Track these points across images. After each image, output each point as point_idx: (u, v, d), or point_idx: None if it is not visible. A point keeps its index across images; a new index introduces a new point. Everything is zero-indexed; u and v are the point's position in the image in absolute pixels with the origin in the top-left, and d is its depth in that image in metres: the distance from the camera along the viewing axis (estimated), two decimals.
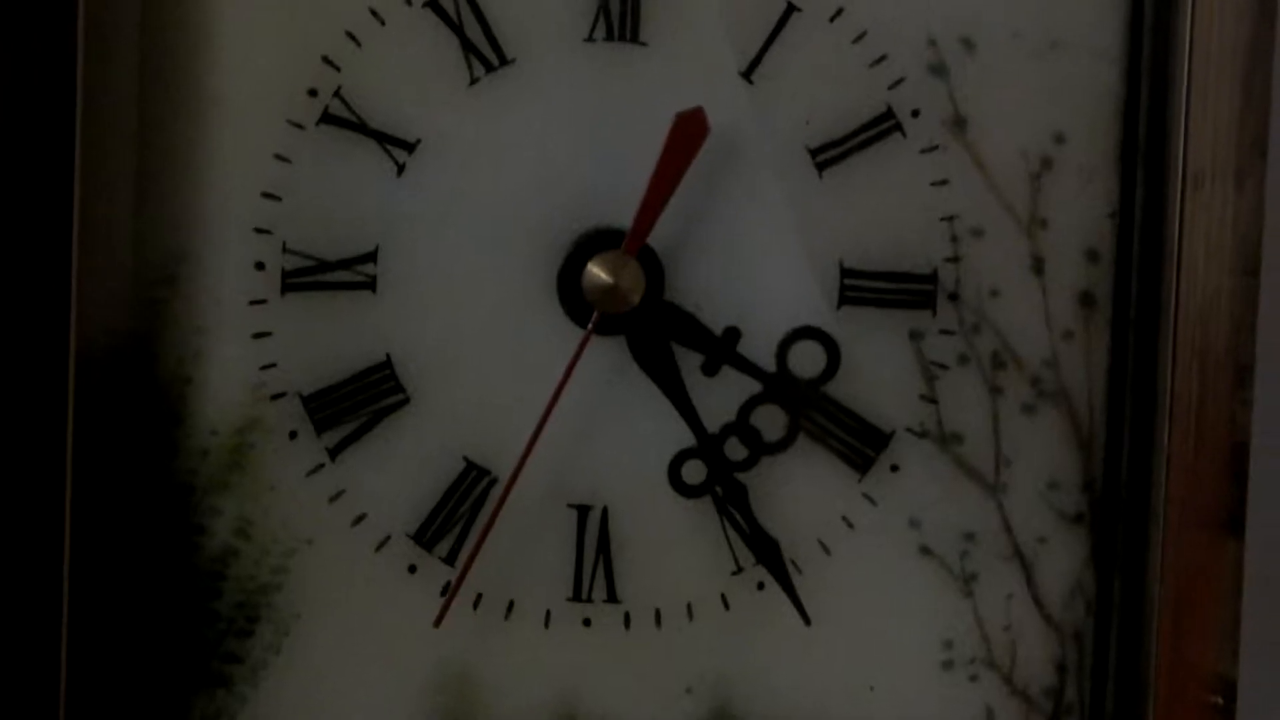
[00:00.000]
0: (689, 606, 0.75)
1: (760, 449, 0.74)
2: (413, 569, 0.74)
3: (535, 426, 0.72)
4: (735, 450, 0.74)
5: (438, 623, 0.73)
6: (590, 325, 0.72)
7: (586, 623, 0.75)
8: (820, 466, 0.75)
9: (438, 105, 0.73)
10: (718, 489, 0.74)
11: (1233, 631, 0.72)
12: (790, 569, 0.75)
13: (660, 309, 0.73)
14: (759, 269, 0.74)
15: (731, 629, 0.75)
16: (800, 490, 0.75)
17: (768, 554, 0.75)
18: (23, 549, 0.69)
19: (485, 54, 0.73)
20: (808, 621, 0.75)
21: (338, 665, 0.74)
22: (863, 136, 0.73)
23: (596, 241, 0.73)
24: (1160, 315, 0.73)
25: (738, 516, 0.74)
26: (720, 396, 0.74)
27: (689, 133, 0.71)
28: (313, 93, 0.73)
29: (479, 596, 0.74)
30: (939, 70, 0.73)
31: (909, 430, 0.75)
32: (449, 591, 0.73)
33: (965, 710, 0.75)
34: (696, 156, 0.71)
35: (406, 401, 0.73)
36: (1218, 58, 0.71)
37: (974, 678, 0.75)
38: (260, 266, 0.73)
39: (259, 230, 0.73)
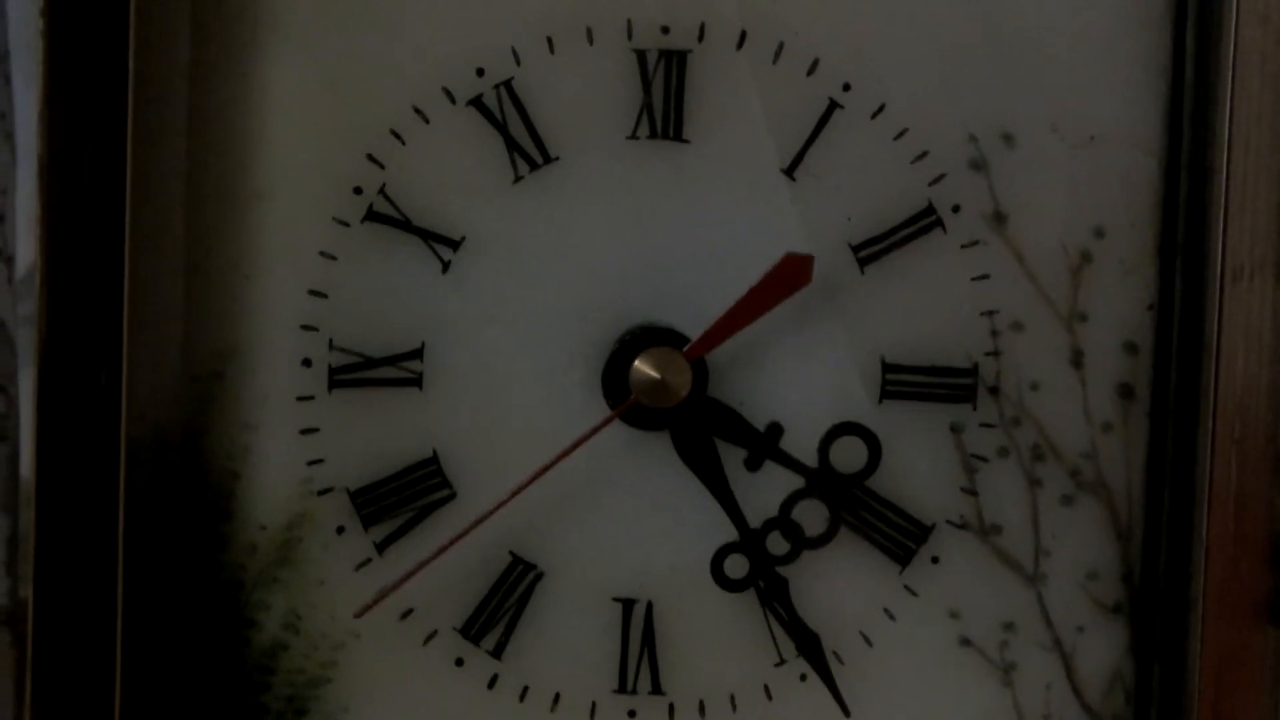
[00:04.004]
0: (732, 698, 0.71)
1: (802, 543, 0.70)
2: (460, 662, 0.70)
3: (530, 476, 0.68)
4: (777, 544, 0.70)
5: (359, 614, 0.69)
6: (619, 408, 0.69)
7: (632, 714, 0.71)
8: (862, 559, 0.71)
9: (482, 203, 0.69)
10: (760, 583, 0.70)
11: None
12: (832, 660, 0.71)
13: (704, 405, 0.69)
14: (801, 365, 0.70)
15: None
16: (842, 582, 0.71)
17: (809, 646, 0.71)
18: (75, 643, 0.66)
19: (529, 152, 0.69)
20: (847, 713, 0.71)
21: None
22: (904, 232, 0.69)
23: (641, 338, 0.69)
24: (1199, 407, 0.69)
25: (780, 609, 0.70)
26: (763, 491, 0.70)
27: (791, 275, 0.68)
28: (358, 190, 0.69)
29: (525, 689, 0.71)
30: (979, 165, 0.69)
31: (949, 522, 0.71)
32: (383, 592, 0.69)
33: None
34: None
35: (453, 497, 0.70)
36: (1257, 151, 0.67)
37: None
38: (307, 363, 0.69)
39: (306, 327, 0.69)
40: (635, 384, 0.68)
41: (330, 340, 0.69)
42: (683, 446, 0.70)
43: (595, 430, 0.69)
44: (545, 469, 0.68)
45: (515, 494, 0.68)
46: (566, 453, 0.68)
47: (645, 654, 0.71)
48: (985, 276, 0.70)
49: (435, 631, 0.70)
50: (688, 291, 0.69)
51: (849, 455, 0.70)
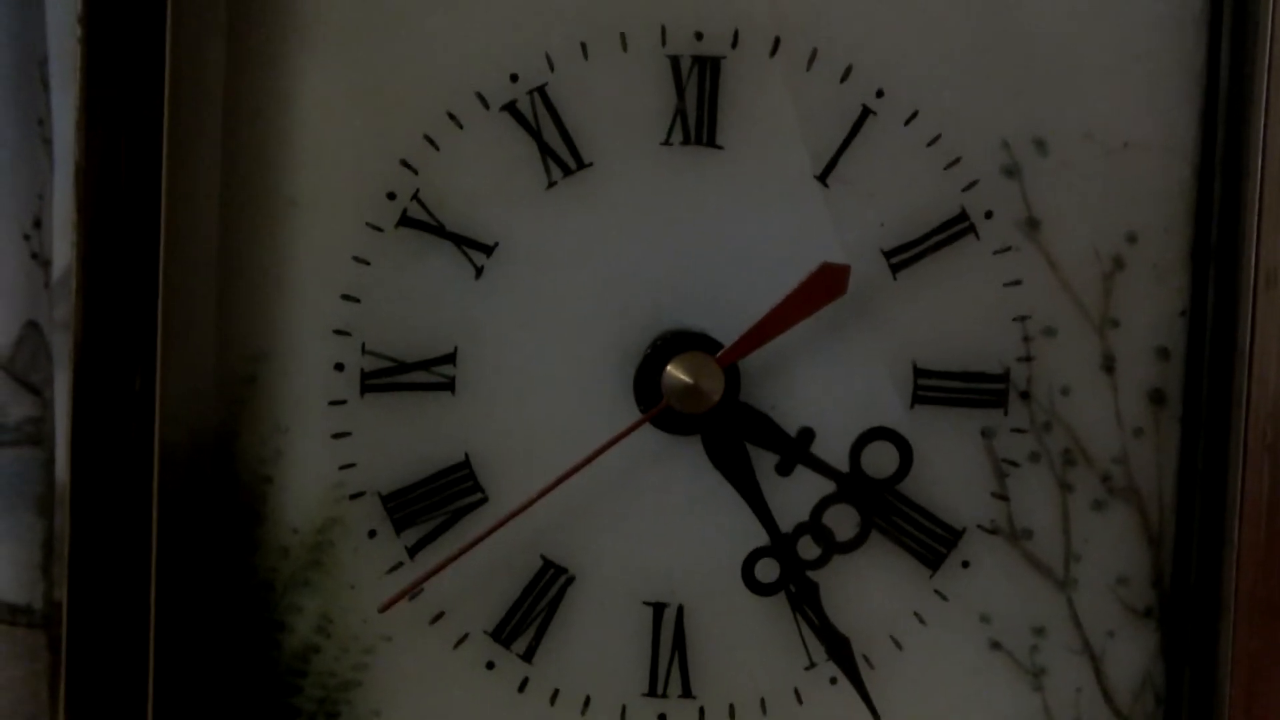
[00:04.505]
0: (763, 701, 0.71)
1: (833, 547, 0.70)
2: (491, 666, 0.70)
3: (560, 476, 0.68)
4: (808, 549, 0.70)
5: (384, 608, 0.69)
6: (651, 412, 0.68)
7: (662, 718, 0.71)
8: (892, 563, 0.70)
9: (515, 208, 0.69)
10: (791, 587, 0.70)
11: None
12: (863, 664, 0.71)
13: (736, 410, 0.69)
14: (833, 370, 0.70)
15: None
16: (873, 587, 0.71)
17: (839, 650, 0.70)
18: (108, 646, 0.66)
19: (563, 157, 0.69)
20: (877, 717, 0.71)
21: None
22: (937, 238, 0.69)
23: (673, 343, 0.69)
24: (1231, 412, 0.69)
25: (810, 613, 0.70)
26: (794, 496, 0.70)
27: (827, 284, 0.67)
28: (391, 196, 0.69)
29: (556, 692, 0.71)
30: (1012, 171, 0.69)
31: (980, 527, 0.70)
32: (409, 586, 0.69)
33: None
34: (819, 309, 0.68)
35: (485, 501, 0.70)
36: None
37: None
38: (340, 367, 0.69)
39: (338, 332, 0.69)
40: (668, 389, 0.68)
41: (363, 345, 0.69)
42: (714, 451, 0.70)
43: (626, 432, 0.68)
44: (575, 469, 0.68)
45: (544, 494, 0.68)
46: (597, 454, 0.68)
47: (676, 657, 0.71)
48: (1017, 282, 0.70)
49: (466, 635, 0.70)
50: (720, 297, 0.69)
51: (880, 460, 0.70)
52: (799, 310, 0.68)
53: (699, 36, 0.68)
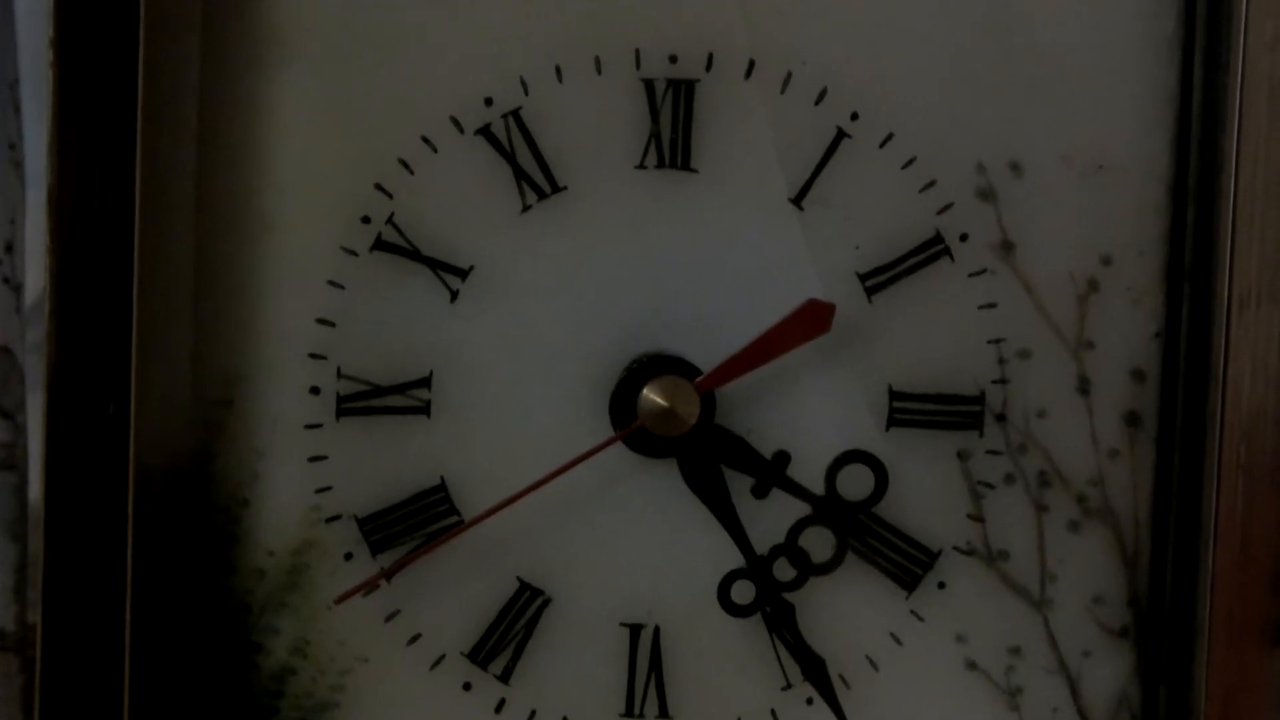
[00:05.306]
0: None
1: (808, 569, 0.70)
2: (467, 687, 0.70)
3: (528, 486, 0.68)
4: (784, 571, 0.70)
5: (339, 600, 0.69)
6: (624, 430, 0.68)
7: None
8: (869, 584, 0.70)
9: (490, 232, 0.69)
10: (767, 608, 0.70)
11: None
12: (839, 685, 0.71)
13: (712, 433, 0.69)
14: (809, 393, 0.70)
15: None
16: (849, 608, 0.71)
17: (815, 671, 0.71)
18: (83, 668, 0.66)
19: (537, 181, 0.69)
20: None
21: None
22: (911, 261, 0.69)
23: (649, 367, 0.68)
24: (1205, 434, 0.69)
25: (786, 634, 0.70)
26: (770, 518, 0.70)
27: (811, 320, 0.68)
28: (366, 220, 0.69)
29: (533, 713, 0.71)
30: (987, 195, 0.69)
31: (956, 548, 0.70)
32: (366, 582, 0.69)
33: None
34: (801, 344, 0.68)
35: (460, 524, 0.69)
36: (1264, 179, 0.67)
37: None
38: (315, 391, 0.69)
39: (314, 355, 0.69)
40: (643, 411, 0.68)
41: (338, 368, 0.69)
42: (690, 474, 0.70)
43: (598, 449, 0.68)
44: (541, 482, 0.68)
45: (506, 504, 0.68)
46: (564, 469, 0.68)
47: (652, 679, 0.71)
48: (992, 305, 0.70)
49: (443, 656, 0.70)
50: (695, 320, 0.69)
51: (856, 482, 0.70)
52: (781, 344, 0.68)
53: (673, 60, 0.68)
